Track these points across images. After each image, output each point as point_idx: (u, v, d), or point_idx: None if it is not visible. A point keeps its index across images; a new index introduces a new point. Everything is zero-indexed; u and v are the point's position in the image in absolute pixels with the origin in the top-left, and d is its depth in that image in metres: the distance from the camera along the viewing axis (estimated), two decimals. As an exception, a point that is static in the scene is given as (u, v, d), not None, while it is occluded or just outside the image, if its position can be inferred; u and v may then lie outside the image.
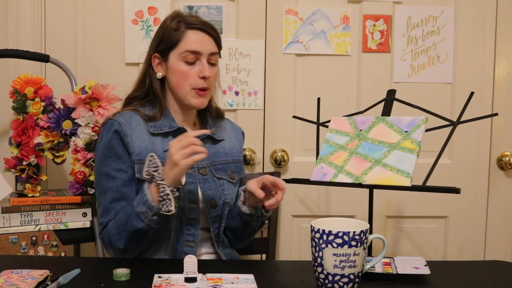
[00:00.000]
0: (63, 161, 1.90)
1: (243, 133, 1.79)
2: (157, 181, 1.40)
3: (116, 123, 1.53)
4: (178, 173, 1.39)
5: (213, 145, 1.65)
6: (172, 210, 1.39)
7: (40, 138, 1.83)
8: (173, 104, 1.62)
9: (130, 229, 1.43)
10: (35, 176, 1.85)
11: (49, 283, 1.18)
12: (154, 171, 1.41)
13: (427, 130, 1.52)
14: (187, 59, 1.55)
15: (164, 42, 1.57)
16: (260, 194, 1.44)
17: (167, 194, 1.39)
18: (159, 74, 1.59)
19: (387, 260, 1.37)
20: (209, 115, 1.70)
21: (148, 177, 1.42)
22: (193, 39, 1.55)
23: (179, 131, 1.58)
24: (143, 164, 1.47)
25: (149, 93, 1.62)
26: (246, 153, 2.15)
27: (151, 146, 1.54)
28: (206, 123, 1.67)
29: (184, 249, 1.53)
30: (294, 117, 1.90)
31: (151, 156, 1.43)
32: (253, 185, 1.48)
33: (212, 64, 1.58)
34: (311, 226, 1.20)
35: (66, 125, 1.83)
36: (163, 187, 1.40)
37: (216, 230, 1.59)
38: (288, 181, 1.65)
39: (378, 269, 1.31)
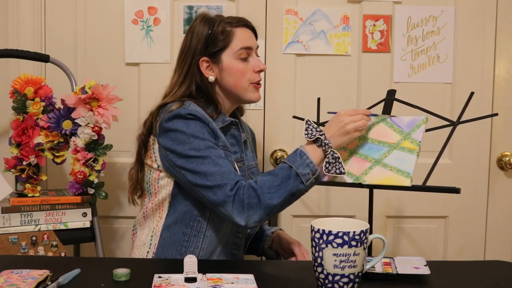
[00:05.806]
0: (63, 161, 1.90)
1: (254, 135, 1.84)
2: (326, 145, 1.43)
3: (195, 111, 1.49)
4: (346, 141, 1.47)
5: (245, 150, 1.67)
6: (345, 172, 1.44)
7: (40, 138, 1.83)
8: (223, 103, 1.62)
9: (291, 189, 1.40)
10: (35, 176, 1.85)
11: (49, 283, 1.18)
12: (321, 134, 1.44)
13: (427, 130, 1.52)
14: (241, 56, 1.58)
15: (212, 45, 1.57)
16: (302, 258, 1.61)
17: (338, 157, 1.43)
18: (211, 78, 1.58)
19: (387, 260, 1.37)
20: (238, 113, 1.73)
21: (310, 139, 1.44)
22: (244, 36, 1.59)
23: (232, 124, 1.61)
24: (228, 152, 1.52)
25: (193, 96, 1.58)
26: (246, 153, 2.16)
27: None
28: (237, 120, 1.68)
29: (231, 256, 1.60)
30: (294, 117, 1.90)
31: (309, 120, 1.46)
32: (296, 248, 1.64)
33: (258, 57, 1.63)
34: (311, 226, 1.20)
35: (66, 125, 1.83)
36: (333, 151, 1.43)
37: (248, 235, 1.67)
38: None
39: (378, 269, 1.30)
